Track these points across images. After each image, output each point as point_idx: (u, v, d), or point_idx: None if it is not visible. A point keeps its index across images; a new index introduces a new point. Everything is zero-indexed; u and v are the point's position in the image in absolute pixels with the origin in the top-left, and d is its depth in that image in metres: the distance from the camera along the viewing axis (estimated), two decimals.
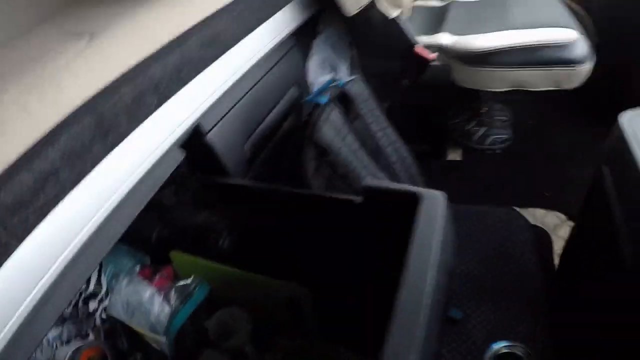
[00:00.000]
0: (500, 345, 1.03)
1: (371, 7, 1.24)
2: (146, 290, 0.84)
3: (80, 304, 0.81)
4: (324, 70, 1.41)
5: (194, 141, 0.83)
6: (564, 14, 1.45)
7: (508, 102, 1.83)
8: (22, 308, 0.48)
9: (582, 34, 1.31)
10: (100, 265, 0.86)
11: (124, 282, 0.86)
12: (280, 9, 1.08)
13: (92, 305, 0.79)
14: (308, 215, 0.80)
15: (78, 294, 0.80)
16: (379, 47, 1.42)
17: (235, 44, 0.90)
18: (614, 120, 0.87)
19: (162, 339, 0.81)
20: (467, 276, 1.27)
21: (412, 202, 0.65)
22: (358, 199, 0.74)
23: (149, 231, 0.95)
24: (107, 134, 0.60)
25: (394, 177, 1.15)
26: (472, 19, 1.53)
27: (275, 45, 1.07)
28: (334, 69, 1.42)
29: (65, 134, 0.53)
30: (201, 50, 0.79)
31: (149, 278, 0.89)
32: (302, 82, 1.23)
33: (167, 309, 0.83)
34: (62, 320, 0.80)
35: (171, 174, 0.76)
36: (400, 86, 1.50)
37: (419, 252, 0.57)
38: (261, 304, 0.87)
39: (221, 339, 0.85)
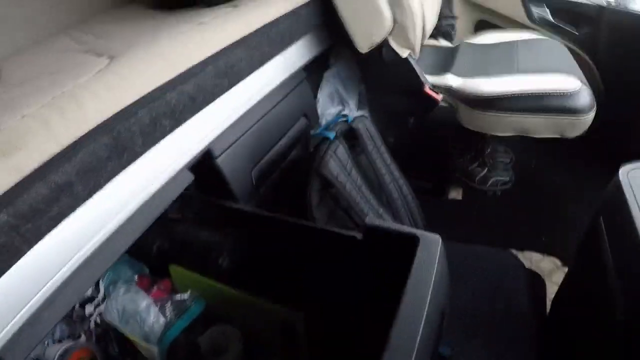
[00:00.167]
0: None
1: (383, 45, 1.28)
2: (143, 299, 0.87)
3: (76, 306, 0.84)
4: (333, 102, 1.46)
5: (203, 165, 0.87)
6: (569, 62, 1.47)
7: (511, 144, 1.84)
8: (25, 309, 0.52)
9: (585, 83, 1.34)
10: None
11: (121, 289, 0.89)
12: (294, 42, 1.12)
13: (88, 309, 0.82)
14: (310, 246, 0.83)
15: None
16: (388, 84, 1.46)
17: (249, 75, 0.94)
18: (615, 167, 0.88)
19: (154, 349, 0.83)
20: (459, 315, 1.27)
21: (410, 243, 0.68)
22: (359, 235, 0.76)
23: (150, 243, 0.98)
24: (122, 153, 0.64)
25: (395, 213, 1.17)
26: (480, 61, 1.55)
27: (287, 77, 1.11)
28: (342, 102, 1.47)
29: (82, 151, 0.57)
30: (216, 79, 0.83)
31: (147, 288, 0.92)
32: (310, 114, 1.27)
33: (162, 320, 0.86)
34: None
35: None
36: (406, 123, 1.54)
37: (415, 293, 0.59)
38: (255, 326, 0.90)
39: (212, 356, 0.87)
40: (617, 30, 1.68)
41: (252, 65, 0.95)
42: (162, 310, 0.86)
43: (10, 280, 0.50)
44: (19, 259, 0.50)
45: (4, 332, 0.50)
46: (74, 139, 0.57)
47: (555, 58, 1.50)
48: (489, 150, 1.76)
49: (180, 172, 0.81)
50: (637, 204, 0.78)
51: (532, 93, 1.31)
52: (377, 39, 1.24)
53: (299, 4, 1.12)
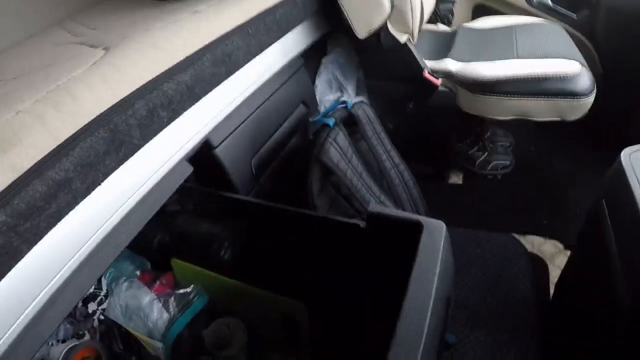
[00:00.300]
0: None
1: (381, 30, 1.27)
2: (146, 295, 0.86)
3: (79, 304, 0.83)
4: (331, 89, 1.44)
5: (202, 155, 0.86)
6: (568, 45, 1.46)
7: (511, 129, 1.84)
8: (27, 310, 0.50)
9: (585, 65, 1.33)
10: None
11: (123, 285, 0.88)
12: (292, 29, 1.10)
13: (91, 306, 0.81)
14: (312, 235, 0.82)
15: None
16: (387, 69, 1.45)
17: (246, 63, 0.93)
18: (615, 150, 0.87)
19: (159, 344, 0.83)
20: (462, 300, 1.27)
21: (414, 230, 0.67)
22: (362, 223, 0.76)
23: (150, 237, 0.97)
24: (120, 147, 0.62)
25: (396, 200, 1.17)
26: (479, 46, 1.55)
27: (285, 64, 1.10)
28: (340, 88, 1.45)
29: (79, 145, 0.56)
30: (213, 68, 0.82)
31: (149, 283, 0.91)
32: (309, 101, 1.26)
33: (165, 316, 0.85)
34: None
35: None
36: (405, 109, 1.52)
37: (420, 281, 0.58)
38: (258, 317, 0.89)
39: (216, 349, 0.86)
40: (616, 14, 1.67)
41: (250, 53, 0.93)
42: (165, 305, 0.85)
43: (10, 283, 0.48)
44: (19, 260, 0.49)
45: (5, 336, 0.48)
46: (71, 134, 0.55)
47: (555, 42, 1.49)
48: (488, 134, 1.75)
49: (179, 164, 0.79)
50: None
51: (532, 76, 1.30)
52: (376, 25, 1.23)
53: None
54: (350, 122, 1.12)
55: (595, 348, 0.90)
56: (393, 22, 1.27)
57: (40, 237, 0.51)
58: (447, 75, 1.42)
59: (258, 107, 1.01)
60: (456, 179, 1.79)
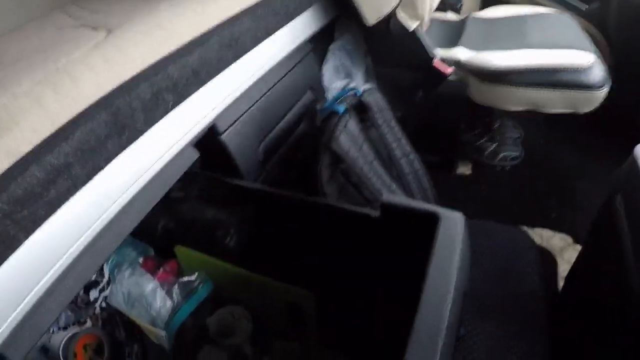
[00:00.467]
0: None
1: (390, 17, 1.24)
2: (149, 283, 0.85)
3: (80, 291, 0.81)
4: (339, 75, 1.41)
5: (208, 141, 0.83)
6: (581, 36, 1.44)
7: (520, 120, 1.81)
8: (26, 300, 0.49)
9: (599, 57, 1.30)
10: None
11: (126, 272, 0.87)
12: (300, 14, 1.08)
13: (93, 294, 0.80)
14: (322, 224, 0.81)
15: None
16: (396, 57, 1.42)
17: (254, 47, 0.90)
18: (625, 144, 0.86)
19: (162, 333, 0.81)
20: (470, 292, 1.26)
21: (430, 221, 0.65)
22: (375, 213, 0.74)
23: (154, 223, 0.95)
24: (122, 131, 0.60)
25: (406, 189, 1.15)
26: (489, 35, 1.52)
27: (293, 49, 1.07)
28: (348, 75, 1.42)
29: (79, 129, 0.53)
30: (220, 51, 0.79)
31: (152, 271, 0.89)
32: (317, 87, 1.24)
33: (169, 304, 0.84)
34: None
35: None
36: (414, 97, 1.50)
37: (438, 275, 0.57)
38: (263, 306, 0.88)
39: (221, 337, 0.85)
40: (628, 6, 1.64)
41: (257, 37, 0.90)
42: (168, 293, 0.83)
43: (8, 273, 0.47)
44: (16, 249, 0.47)
45: (3, 327, 0.47)
46: (70, 117, 0.53)
47: (567, 33, 1.46)
48: (497, 124, 1.72)
49: (184, 150, 0.77)
50: None
51: (545, 67, 1.28)
52: (385, 11, 1.20)
53: None
54: (360, 110, 1.10)
55: (606, 342, 0.89)
56: (403, 8, 1.24)
57: (39, 225, 0.49)
58: (457, 64, 1.39)
59: (265, 93, 0.99)
60: (464, 169, 1.77)
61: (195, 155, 0.79)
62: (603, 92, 1.27)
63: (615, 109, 1.38)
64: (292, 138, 1.10)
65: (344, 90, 1.12)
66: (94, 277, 0.83)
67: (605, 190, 0.94)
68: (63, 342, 0.75)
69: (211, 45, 0.77)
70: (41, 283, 0.50)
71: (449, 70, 1.34)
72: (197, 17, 0.78)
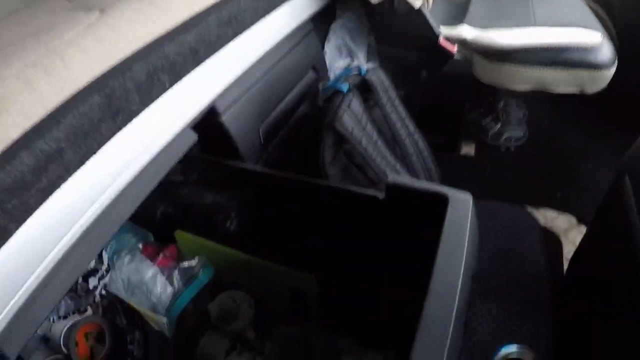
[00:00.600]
0: (509, 350, 1.01)
1: None
2: (149, 269, 0.84)
3: (79, 279, 0.80)
4: (340, 55, 1.38)
5: (207, 123, 0.81)
6: (588, 15, 1.40)
7: (524, 100, 1.78)
8: (20, 292, 0.47)
9: (607, 36, 1.27)
10: None
11: (125, 259, 0.85)
12: None
13: (92, 282, 0.78)
14: (325, 206, 0.79)
15: None
16: (400, 36, 1.39)
17: (253, 25, 0.87)
18: (630, 125, 0.85)
19: (163, 319, 0.80)
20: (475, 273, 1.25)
21: (438, 203, 0.63)
22: (381, 194, 0.72)
23: (153, 208, 0.94)
24: (116, 113, 0.57)
25: (410, 169, 1.13)
26: (495, 13, 1.48)
27: (294, 28, 1.04)
28: (350, 54, 1.39)
29: (71, 113, 0.51)
30: (219, 29, 0.76)
31: (152, 257, 0.88)
32: (319, 67, 1.20)
33: (169, 290, 0.83)
34: None
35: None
36: (418, 76, 1.47)
37: (448, 259, 0.55)
38: (265, 290, 0.87)
39: (223, 322, 0.84)
40: None
41: (258, 14, 0.87)
42: (169, 279, 0.82)
43: (1, 263, 0.45)
44: (7, 239, 0.45)
45: (1, 315, 0.45)
46: (62, 100, 0.50)
47: (574, 11, 1.42)
48: (502, 104, 1.69)
49: (182, 132, 0.74)
50: None
51: (552, 46, 1.25)
52: None
53: None
54: (363, 89, 1.07)
55: (614, 323, 0.88)
56: None
57: (30, 214, 0.47)
58: (463, 43, 1.35)
59: (266, 72, 0.96)
60: (468, 149, 1.74)
61: (193, 137, 0.77)
62: (610, 71, 1.25)
63: (619, 89, 1.35)
64: (293, 119, 1.08)
65: (347, 69, 1.09)
66: (93, 265, 0.82)
67: (611, 171, 0.93)
68: (64, 331, 0.74)
69: (209, 23, 0.73)
70: (35, 275, 0.48)
71: (454, 49, 1.31)
72: None
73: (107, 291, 0.81)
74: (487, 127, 1.70)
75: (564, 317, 1.14)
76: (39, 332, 0.73)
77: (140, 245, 0.88)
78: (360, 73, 1.07)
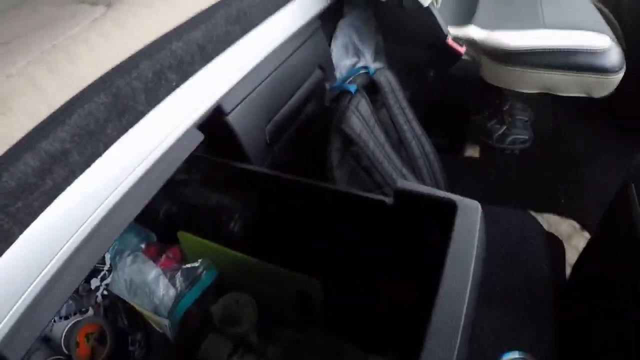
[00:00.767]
0: (512, 356, 1.00)
1: None
2: (151, 270, 0.82)
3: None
4: (347, 53, 1.36)
5: (213, 122, 0.79)
6: (597, 18, 1.39)
7: (530, 103, 1.77)
8: (24, 297, 0.45)
9: (615, 41, 1.26)
10: None
11: (128, 259, 0.84)
12: None
13: (94, 282, 0.77)
14: (332, 210, 0.78)
15: None
16: (408, 35, 1.38)
17: (261, 22, 0.85)
18: (636, 130, 0.84)
19: (165, 321, 0.79)
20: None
21: (447, 210, 0.63)
22: (389, 200, 0.71)
23: (156, 208, 0.92)
24: (123, 113, 0.56)
25: (416, 172, 1.12)
26: (503, 14, 1.47)
27: (302, 25, 1.02)
28: (357, 53, 1.37)
29: (76, 112, 0.49)
30: (227, 26, 0.74)
31: (155, 258, 0.87)
32: (325, 65, 1.19)
33: (172, 292, 0.81)
34: None
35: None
36: (425, 77, 1.46)
37: (457, 267, 0.55)
38: (269, 294, 0.85)
39: (226, 325, 0.83)
40: None
41: (266, 10, 0.85)
42: (172, 280, 0.81)
43: (3, 269, 0.43)
44: (11, 244, 0.43)
45: (0, 326, 0.43)
46: (67, 99, 0.49)
47: (583, 14, 1.42)
48: (507, 107, 1.68)
49: (188, 132, 0.73)
50: None
51: (560, 49, 1.24)
52: None
53: None
54: (370, 89, 1.06)
55: (617, 330, 0.88)
56: None
57: (34, 218, 0.45)
58: (470, 43, 1.34)
59: (273, 71, 0.94)
60: (473, 152, 1.73)
61: (199, 137, 0.75)
62: (618, 76, 1.24)
63: (626, 94, 1.34)
64: (300, 118, 1.07)
65: (355, 69, 1.08)
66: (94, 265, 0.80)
67: (616, 177, 0.92)
68: (65, 331, 0.73)
69: (217, 20, 0.72)
70: (39, 279, 0.47)
71: (462, 49, 1.29)
72: None
73: (108, 292, 0.80)
74: (492, 129, 1.69)
75: (566, 323, 1.13)
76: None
77: (143, 246, 0.87)
78: (368, 73, 1.06)
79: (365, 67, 1.07)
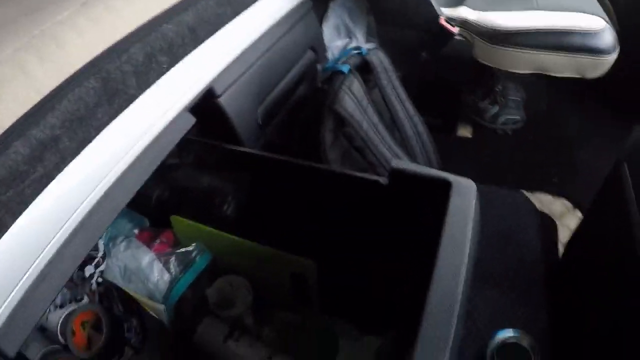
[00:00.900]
0: (506, 334, 1.01)
1: None
2: (145, 255, 0.82)
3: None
4: (339, 34, 1.35)
5: (205, 105, 0.78)
6: (591, 1, 1.38)
7: (523, 84, 1.77)
8: (18, 287, 0.45)
9: (609, 22, 1.26)
10: None
11: (121, 245, 0.83)
12: None
13: (89, 269, 0.76)
14: (326, 191, 0.78)
15: None
16: (400, 15, 1.36)
17: (252, 4, 0.84)
18: (628, 111, 0.84)
19: (161, 307, 0.79)
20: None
21: (442, 189, 0.63)
22: (384, 180, 0.71)
23: (148, 193, 0.91)
24: (113, 97, 0.55)
25: (409, 152, 1.12)
26: None
27: (293, 7, 1.01)
28: (349, 34, 1.36)
29: (66, 98, 0.48)
30: (218, 8, 0.73)
31: (148, 243, 0.86)
32: (318, 47, 1.17)
33: (166, 277, 0.81)
34: None
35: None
36: (417, 57, 1.45)
37: (452, 246, 0.55)
38: (263, 276, 0.86)
39: (221, 308, 0.83)
40: None
41: None
42: (166, 265, 0.80)
43: None
44: (3, 233, 0.43)
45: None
46: (56, 85, 0.48)
47: None
48: (500, 87, 1.68)
49: (180, 115, 0.72)
50: None
51: (554, 29, 1.24)
52: None
53: None
54: (363, 70, 1.05)
55: (609, 309, 0.89)
56: None
57: (26, 206, 0.45)
58: (463, 24, 1.33)
59: (264, 53, 0.93)
60: (465, 132, 1.73)
61: (191, 120, 0.74)
62: (612, 57, 1.25)
63: (620, 75, 1.35)
64: (292, 100, 1.06)
65: (347, 50, 1.07)
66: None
67: (608, 157, 0.93)
68: (60, 320, 0.72)
69: (208, 2, 0.71)
70: (33, 268, 0.46)
71: (455, 29, 1.28)
72: None
73: (103, 279, 0.79)
74: (484, 109, 1.69)
75: (559, 301, 1.15)
76: None
77: (136, 231, 0.86)
78: (360, 53, 1.05)
79: (358, 48, 1.06)
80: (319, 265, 0.81)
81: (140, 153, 0.63)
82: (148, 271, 0.79)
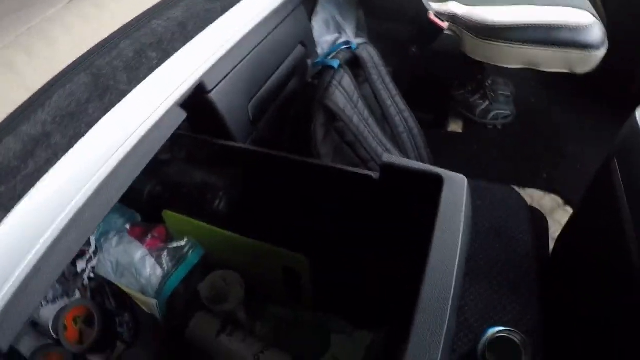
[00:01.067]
0: (496, 330, 1.02)
1: None
2: (137, 250, 0.82)
3: None
4: (329, 29, 1.35)
5: (195, 100, 0.78)
6: None
7: (513, 79, 1.78)
8: (10, 283, 0.45)
9: (598, 17, 1.27)
10: None
11: (113, 240, 0.83)
12: None
13: (80, 265, 0.76)
14: (318, 186, 0.78)
15: None
16: (389, 10, 1.37)
17: None
18: (618, 106, 0.85)
19: (153, 302, 0.79)
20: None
21: (433, 184, 0.63)
22: (375, 174, 0.71)
23: (140, 188, 0.91)
24: (104, 93, 0.55)
25: (400, 148, 1.12)
26: None
27: (282, 2, 1.01)
28: (339, 29, 1.36)
29: (57, 94, 0.48)
30: (207, 3, 0.73)
31: (140, 238, 0.86)
32: (308, 42, 1.18)
33: (159, 272, 0.81)
34: None
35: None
36: (406, 52, 1.45)
37: (444, 241, 0.55)
38: (256, 271, 0.86)
39: (213, 303, 0.83)
40: None
41: None
42: (158, 260, 0.81)
43: None
44: None
45: None
46: (46, 81, 0.48)
47: None
48: (489, 82, 1.69)
49: (171, 110, 0.71)
50: None
51: (542, 24, 1.25)
52: None
53: None
54: (353, 65, 1.05)
55: (600, 304, 0.90)
56: None
57: (17, 202, 0.45)
58: (452, 19, 1.34)
59: (255, 48, 0.93)
60: (455, 127, 1.74)
61: (182, 115, 0.75)
62: (601, 52, 1.26)
63: (609, 70, 1.36)
64: (283, 95, 1.06)
65: (337, 44, 1.07)
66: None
67: (597, 152, 0.93)
68: (52, 315, 0.72)
69: None
70: (24, 263, 0.46)
71: (445, 24, 1.29)
72: None
73: (95, 274, 0.79)
74: (474, 104, 1.70)
75: (550, 296, 1.16)
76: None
77: (128, 227, 0.86)
78: (350, 48, 1.05)
79: (348, 43, 1.06)
80: (312, 260, 0.81)
81: (132, 148, 0.63)
82: (140, 266, 0.79)
